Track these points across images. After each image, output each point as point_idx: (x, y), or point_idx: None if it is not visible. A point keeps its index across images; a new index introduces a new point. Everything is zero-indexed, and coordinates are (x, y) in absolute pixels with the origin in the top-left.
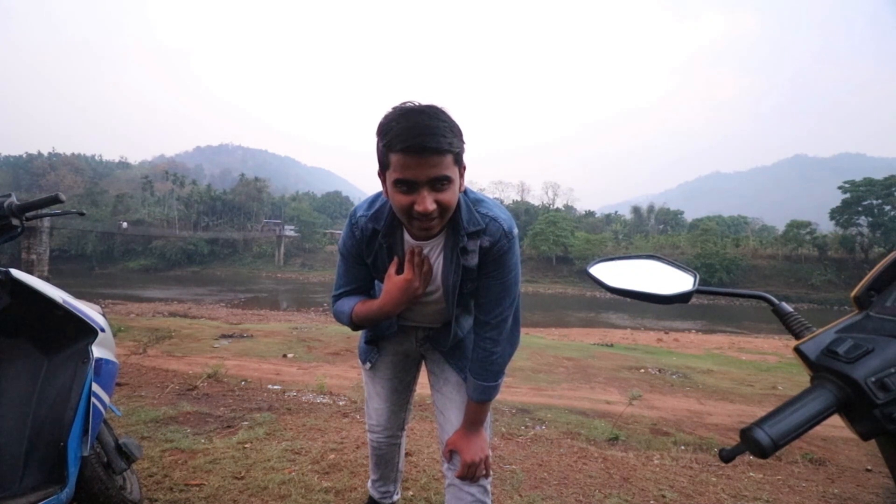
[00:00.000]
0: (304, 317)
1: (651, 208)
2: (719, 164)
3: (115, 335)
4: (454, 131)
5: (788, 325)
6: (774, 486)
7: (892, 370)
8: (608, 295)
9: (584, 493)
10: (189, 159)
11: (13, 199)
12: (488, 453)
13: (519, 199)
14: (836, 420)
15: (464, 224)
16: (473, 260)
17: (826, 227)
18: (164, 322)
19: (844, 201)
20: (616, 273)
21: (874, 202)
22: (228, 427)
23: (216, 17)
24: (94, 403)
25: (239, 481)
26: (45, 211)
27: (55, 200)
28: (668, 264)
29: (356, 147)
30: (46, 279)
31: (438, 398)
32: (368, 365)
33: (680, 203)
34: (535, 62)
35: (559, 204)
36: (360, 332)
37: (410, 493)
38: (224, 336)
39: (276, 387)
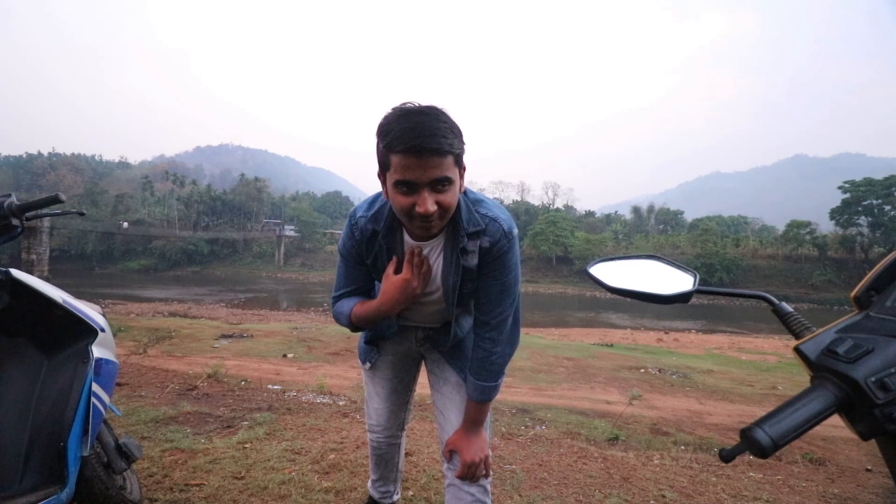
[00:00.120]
0: (304, 317)
1: (651, 208)
2: (719, 164)
3: (115, 335)
4: (454, 132)
5: (788, 325)
6: (774, 486)
7: (893, 370)
8: (608, 295)
9: (584, 493)
10: (189, 159)
11: (13, 199)
12: (488, 453)
13: (519, 199)
14: (836, 420)
15: (464, 224)
16: (473, 260)
17: (826, 227)
18: (164, 322)
19: (844, 201)
20: (616, 273)
21: (874, 202)
22: (228, 427)
23: (216, 16)
24: (94, 403)
25: (239, 481)
26: (45, 211)
27: (55, 200)
28: (668, 264)
29: (356, 147)
30: (46, 279)
31: (438, 398)
32: (368, 365)
33: (680, 203)
34: (535, 62)
35: (559, 204)
36: (360, 333)
37: (410, 493)
38: (224, 336)
39: (276, 387)
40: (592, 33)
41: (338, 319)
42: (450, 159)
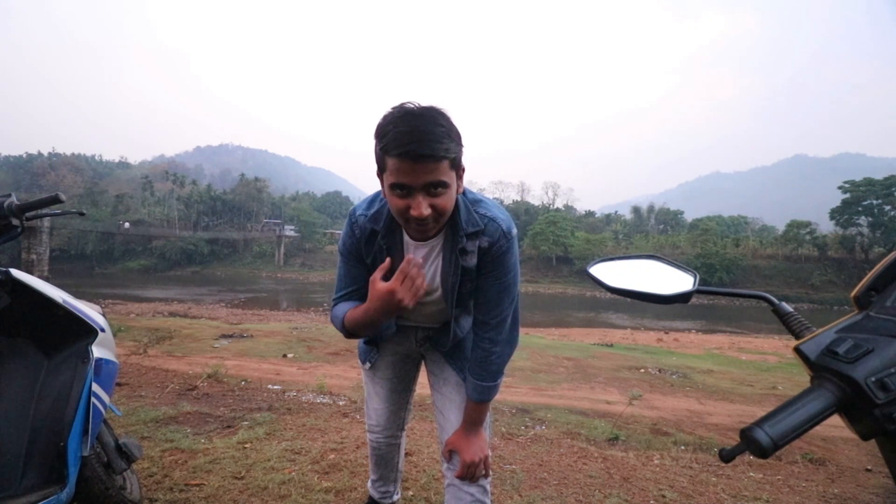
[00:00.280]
0: (305, 317)
1: (651, 208)
2: (719, 164)
3: (115, 335)
4: (451, 136)
5: (788, 325)
6: (774, 486)
7: (893, 370)
8: (608, 295)
9: (584, 493)
10: (189, 159)
11: (13, 199)
12: (488, 453)
13: (519, 199)
14: (836, 420)
15: (462, 225)
16: (472, 260)
17: (826, 227)
18: (164, 322)
19: (844, 201)
20: (616, 273)
21: (874, 202)
22: (228, 427)
23: (216, 16)
24: (94, 403)
25: (239, 481)
26: (45, 211)
27: (55, 200)
28: (668, 264)
29: (357, 147)
30: (46, 279)
31: (438, 398)
32: (368, 365)
33: (680, 203)
34: (535, 62)
35: (559, 204)
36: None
37: (410, 493)
38: (224, 336)
39: (276, 387)
40: (592, 33)
41: (334, 324)
42: (445, 163)
